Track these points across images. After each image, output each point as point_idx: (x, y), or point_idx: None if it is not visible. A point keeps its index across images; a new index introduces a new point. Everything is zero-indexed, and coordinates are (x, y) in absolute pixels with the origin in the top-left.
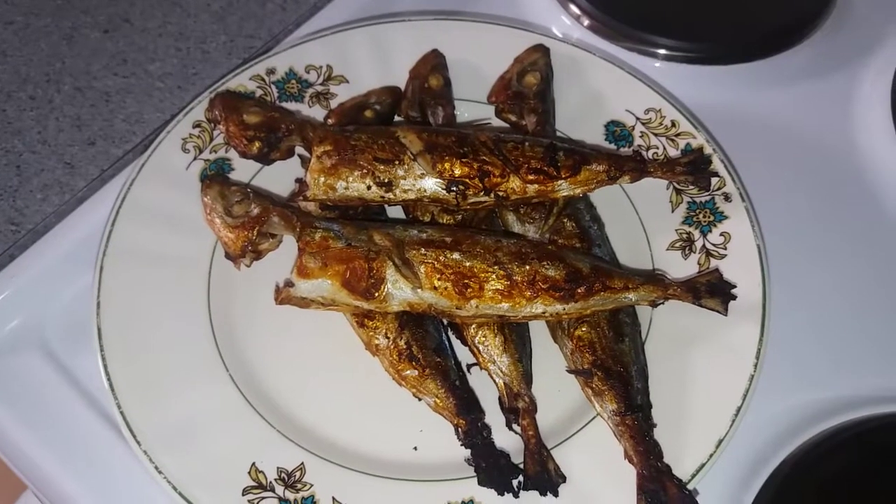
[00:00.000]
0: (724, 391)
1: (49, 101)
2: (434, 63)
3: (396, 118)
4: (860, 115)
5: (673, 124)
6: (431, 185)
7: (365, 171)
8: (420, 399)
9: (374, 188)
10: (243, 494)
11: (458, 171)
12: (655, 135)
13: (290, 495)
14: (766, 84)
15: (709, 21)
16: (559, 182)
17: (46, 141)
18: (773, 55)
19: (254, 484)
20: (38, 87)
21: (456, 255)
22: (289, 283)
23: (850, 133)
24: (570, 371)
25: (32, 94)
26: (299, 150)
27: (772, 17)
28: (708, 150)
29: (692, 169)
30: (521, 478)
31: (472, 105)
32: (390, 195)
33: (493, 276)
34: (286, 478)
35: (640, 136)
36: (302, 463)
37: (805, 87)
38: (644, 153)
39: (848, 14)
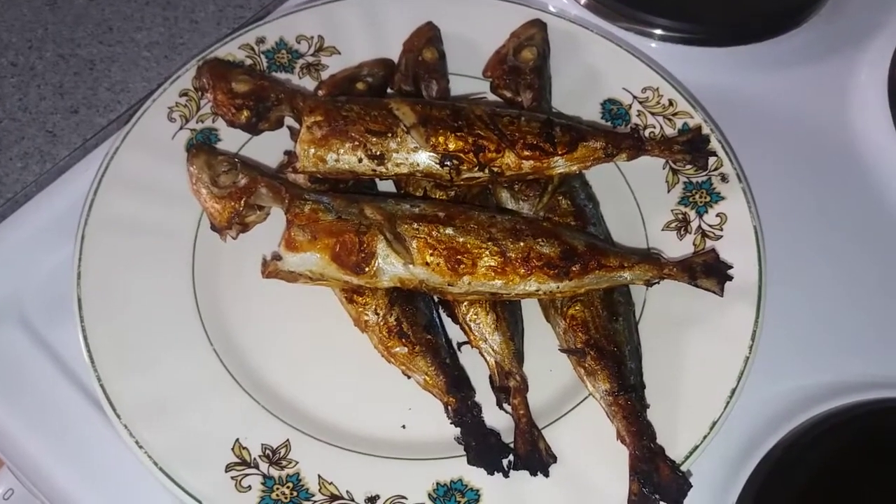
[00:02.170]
0: (719, 373)
1: (31, 68)
2: (428, 36)
3: (389, 91)
4: (857, 99)
5: (670, 103)
6: (425, 158)
7: (356, 143)
8: (409, 376)
9: (365, 161)
10: (226, 471)
11: (452, 146)
12: (652, 114)
13: (274, 472)
14: (764, 67)
15: (707, 2)
16: (555, 158)
17: (27, 108)
18: (771, 38)
19: (237, 460)
20: (20, 53)
21: (449, 231)
22: (276, 257)
23: (846, 116)
24: (562, 350)
25: (14, 61)
26: (289, 120)
27: (770, 0)
28: (706, 129)
29: (689, 148)
30: (511, 457)
31: (467, 80)
32: (382, 169)
33: (487, 253)
34: (271, 454)
35: (637, 115)
36: (287, 440)
37: (802, 71)
38: (641, 131)
39: None
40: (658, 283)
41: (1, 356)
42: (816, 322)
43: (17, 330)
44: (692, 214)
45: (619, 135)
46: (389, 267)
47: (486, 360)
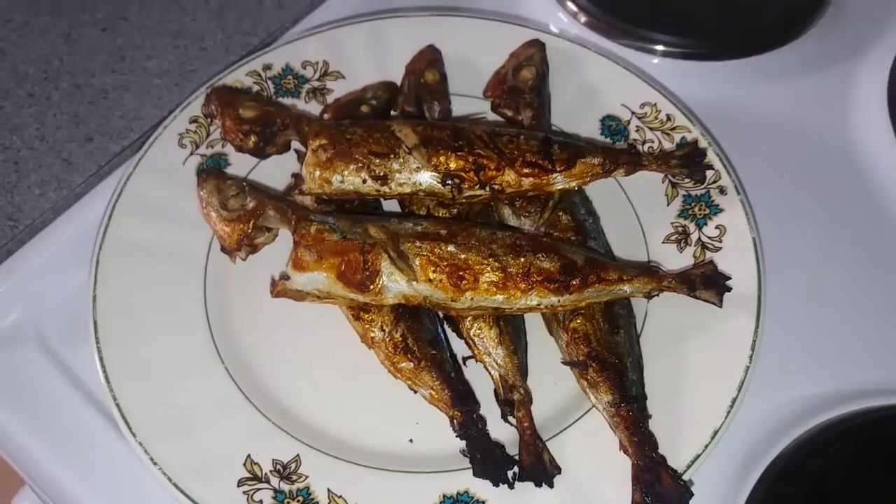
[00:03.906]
0: (720, 383)
1: (47, 98)
2: (430, 58)
3: (392, 113)
4: (856, 111)
5: (668, 118)
6: (427, 178)
7: (360, 164)
8: (416, 391)
9: (369, 182)
10: (238, 486)
11: (453, 165)
12: (651, 129)
13: (285, 487)
14: (763, 80)
15: (705, 17)
16: (554, 175)
17: (44, 137)
18: (769, 51)
19: (249, 475)
20: (37, 84)
21: (451, 248)
22: (284, 276)
23: (846, 128)
24: (565, 363)
25: (31, 92)
26: (295, 144)
27: (768, 13)
28: (702, 142)
29: (687, 162)
30: (516, 469)
31: (468, 100)
32: (386, 189)
33: (488, 269)
34: (281, 469)
35: (636, 131)
36: (297, 455)
37: (801, 83)
38: (639, 147)
39: (844, 10)
40: (658, 295)
41: (20, 377)
42: (818, 331)
43: (35, 352)
44: (692, 227)
45: (616, 151)
46: (394, 284)
47: (490, 373)
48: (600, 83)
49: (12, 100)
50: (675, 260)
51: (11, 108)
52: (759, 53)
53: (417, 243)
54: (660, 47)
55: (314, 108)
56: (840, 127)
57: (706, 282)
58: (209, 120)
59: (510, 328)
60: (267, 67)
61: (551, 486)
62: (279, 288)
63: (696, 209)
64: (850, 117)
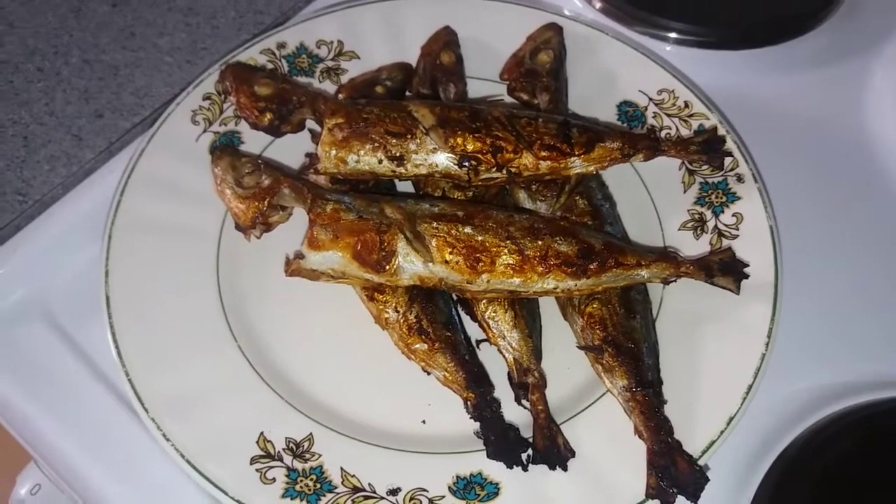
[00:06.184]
0: (736, 369)
1: (57, 74)
2: (446, 40)
3: (407, 95)
4: (872, 102)
5: (686, 105)
6: (443, 159)
7: (377, 144)
8: (429, 373)
9: (385, 162)
10: (251, 463)
11: (470, 147)
12: (668, 115)
13: (298, 465)
14: (779, 70)
15: (721, 5)
16: (572, 159)
17: (54, 113)
18: (785, 41)
19: (262, 453)
20: (46, 59)
21: (468, 229)
22: (299, 255)
23: (861, 119)
24: (580, 347)
25: (40, 66)
26: (310, 123)
27: (785, 3)
28: (721, 130)
29: (706, 148)
30: (530, 451)
31: (484, 83)
32: (402, 170)
33: (505, 251)
34: (294, 448)
35: (653, 117)
36: (310, 434)
37: (817, 74)
38: (657, 132)
39: (859, 3)
40: (675, 281)
41: (28, 353)
42: (831, 321)
43: (43, 327)
44: (708, 214)
45: (635, 135)
46: (409, 265)
47: (504, 356)
48: (618, 68)
49: (21, 74)
50: (692, 247)
51: (21, 82)
52: (772, 44)
53: (434, 224)
54: (673, 35)
55: (328, 87)
56: (855, 118)
57: (724, 268)
58: (223, 97)
59: (525, 311)
60: (281, 46)
61: (565, 469)
62: (294, 267)
63: (714, 197)
64: (865, 109)
